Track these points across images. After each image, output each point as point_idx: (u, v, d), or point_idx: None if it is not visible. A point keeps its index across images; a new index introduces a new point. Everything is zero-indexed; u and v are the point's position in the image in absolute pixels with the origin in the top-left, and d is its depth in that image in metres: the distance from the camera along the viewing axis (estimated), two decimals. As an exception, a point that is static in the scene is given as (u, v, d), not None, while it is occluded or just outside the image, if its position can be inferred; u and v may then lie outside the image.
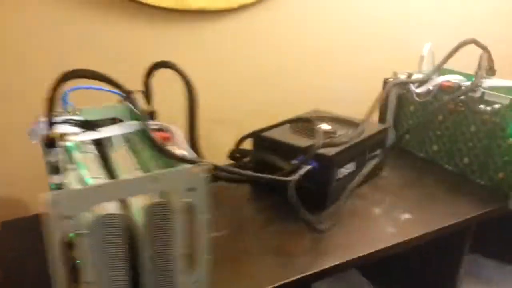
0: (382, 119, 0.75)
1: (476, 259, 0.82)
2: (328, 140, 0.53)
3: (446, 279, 0.62)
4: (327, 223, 0.49)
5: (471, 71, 0.67)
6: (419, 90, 0.67)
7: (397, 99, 0.73)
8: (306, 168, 0.51)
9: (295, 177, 0.47)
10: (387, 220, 0.53)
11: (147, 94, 0.45)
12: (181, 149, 0.39)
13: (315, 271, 0.44)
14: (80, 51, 0.61)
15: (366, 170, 0.56)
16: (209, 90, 0.71)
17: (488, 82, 0.66)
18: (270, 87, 0.77)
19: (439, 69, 0.67)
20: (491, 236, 0.77)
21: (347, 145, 0.55)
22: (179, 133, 0.42)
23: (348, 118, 0.63)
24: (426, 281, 0.67)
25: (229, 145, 0.62)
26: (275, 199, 0.57)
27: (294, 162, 0.52)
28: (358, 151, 0.59)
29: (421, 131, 0.71)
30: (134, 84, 0.46)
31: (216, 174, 0.50)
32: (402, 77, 0.70)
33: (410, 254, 0.64)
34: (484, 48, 0.64)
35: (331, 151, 0.54)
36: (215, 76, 0.72)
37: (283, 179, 0.48)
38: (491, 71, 0.68)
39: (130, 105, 0.47)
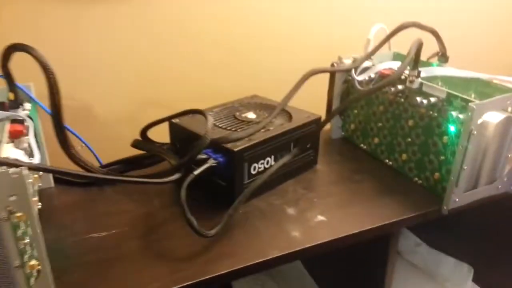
0: (329, 107, 0.69)
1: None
2: (226, 133, 0.48)
3: (378, 281, 0.58)
4: (217, 228, 0.44)
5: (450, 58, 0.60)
6: (360, 78, 0.61)
7: (345, 87, 0.67)
8: (203, 167, 0.46)
9: (174, 177, 0.42)
10: (296, 223, 0.48)
11: (8, 80, 0.40)
12: (22, 147, 0.35)
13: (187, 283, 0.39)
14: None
15: (274, 167, 0.51)
16: (126, 72, 0.66)
17: (438, 71, 0.59)
18: (206, 68, 0.71)
19: (372, 55, 0.61)
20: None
21: (251, 138, 0.49)
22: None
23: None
24: (360, 281, 0.63)
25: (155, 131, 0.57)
26: (191, 194, 0.46)
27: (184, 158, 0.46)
28: (277, 144, 0.53)
29: (364, 122, 0.64)
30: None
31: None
32: (347, 62, 0.64)
33: (345, 252, 0.59)
34: (432, 31, 0.57)
35: (238, 145, 0.49)
36: (137, 58, 0.67)
37: (158, 181, 0.43)
38: (443, 58, 0.61)
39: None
